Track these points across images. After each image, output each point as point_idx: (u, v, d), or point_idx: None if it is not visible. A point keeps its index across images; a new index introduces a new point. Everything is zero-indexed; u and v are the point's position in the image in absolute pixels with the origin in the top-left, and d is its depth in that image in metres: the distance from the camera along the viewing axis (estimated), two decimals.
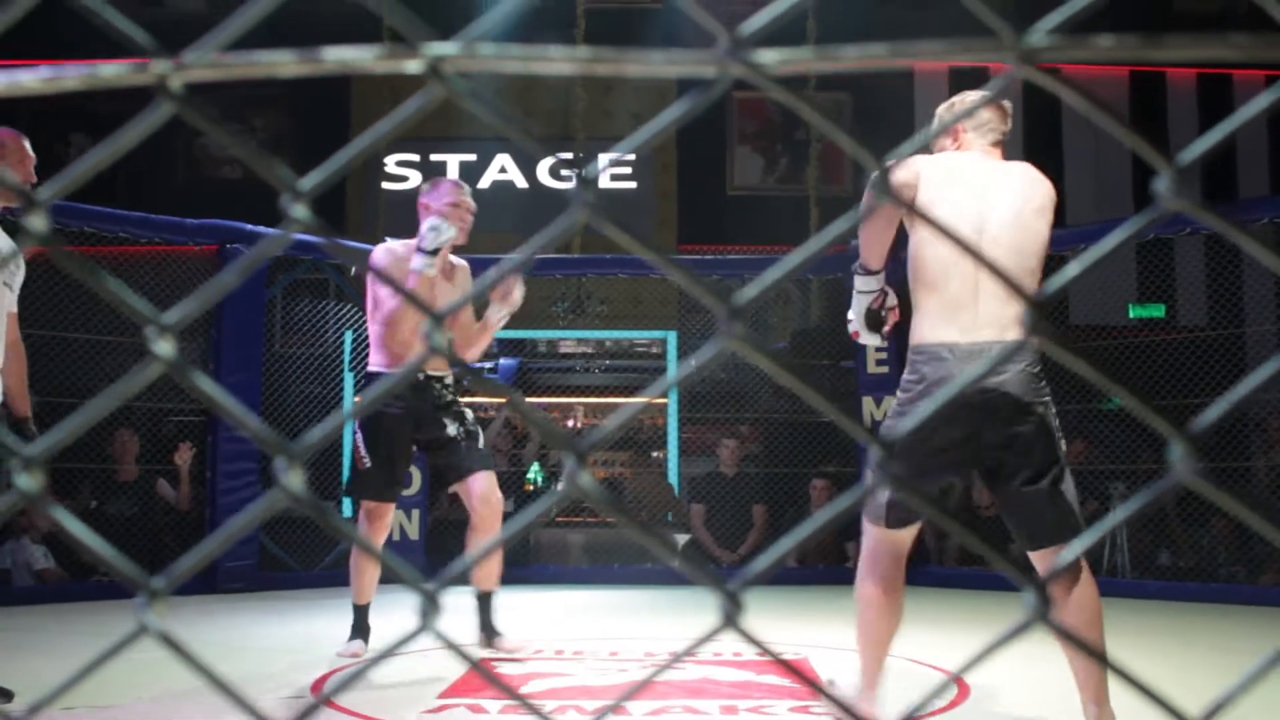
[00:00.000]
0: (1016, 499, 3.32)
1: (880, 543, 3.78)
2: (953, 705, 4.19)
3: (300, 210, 0.70)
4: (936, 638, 5.92)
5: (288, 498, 0.67)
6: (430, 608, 0.70)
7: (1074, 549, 0.71)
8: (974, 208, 3.32)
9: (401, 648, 0.75)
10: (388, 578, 8.71)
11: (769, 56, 0.69)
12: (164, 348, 0.70)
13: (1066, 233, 9.56)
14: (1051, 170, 12.68)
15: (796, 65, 0.69)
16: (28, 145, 4.02)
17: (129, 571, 0.71)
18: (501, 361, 10.78)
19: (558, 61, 0.68)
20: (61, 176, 0.78)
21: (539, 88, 14.03)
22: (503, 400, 10.57)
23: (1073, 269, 0.70)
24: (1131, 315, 11.84)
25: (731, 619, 0.67)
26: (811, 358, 10.05)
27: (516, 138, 0.72)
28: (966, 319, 3.27)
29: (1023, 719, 3.79)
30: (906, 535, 3.73)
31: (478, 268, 9.19)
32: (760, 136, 14.97)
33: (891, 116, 13.14)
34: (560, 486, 0.68)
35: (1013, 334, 3.30)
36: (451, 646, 0.73)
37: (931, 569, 9.02)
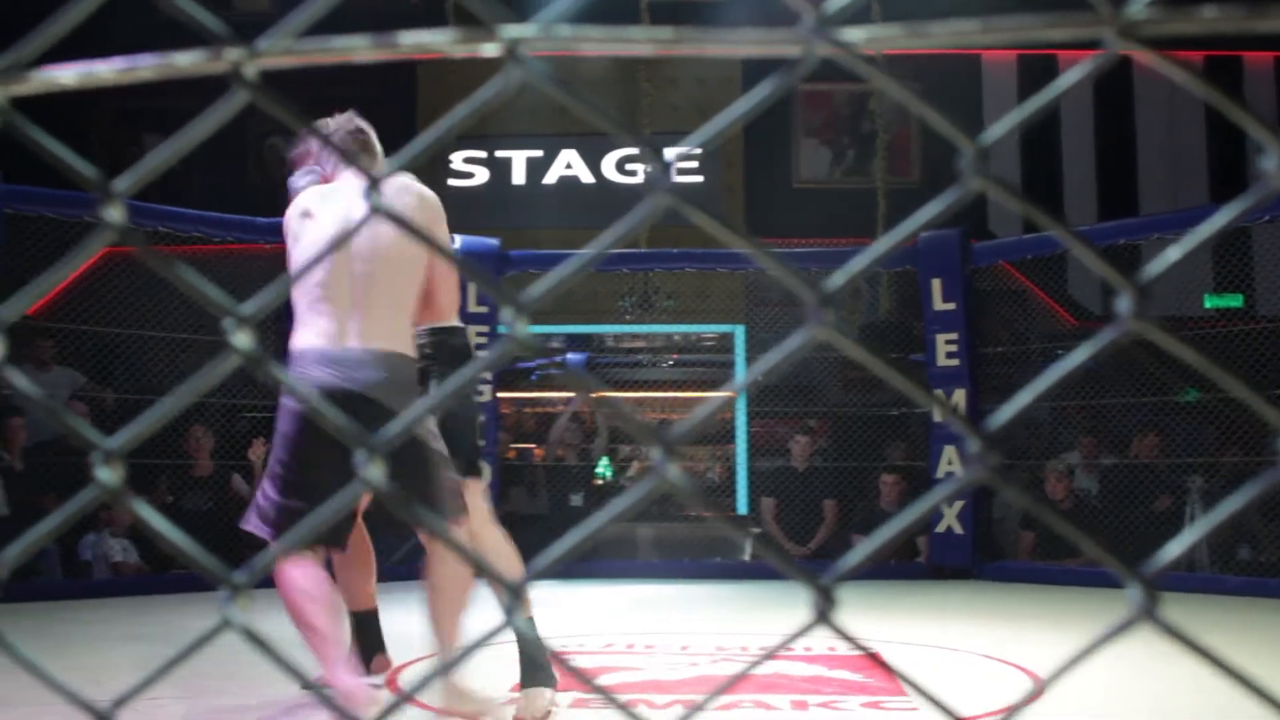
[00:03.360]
0: None
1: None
2: (1027, 703, 4.13)
3: (376, 197, 0.69)
4: (1009, 634, 5.85)
5: (369, 489, 0.66)
6: (515, 603, 0.69)
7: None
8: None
9: (474, 636, 0.74)
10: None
11: (856, 34, 0.66)
12: (242, 340, 0.70)
13: (1139, 222, 9.41)
14: (1124, 160, 12.52)
15: (885, 43, 0.67)
16: None
17: (212, 566, 0.71)
18: (569, 356, 10.80)
19: (638, 42, 0.66)
20: (137, 168, 0.78)
21: (602, 82, 14.02)
22: (568, 394, 10.60)
23: (1174, 253, 0.67)
24: (1207, 305, 11.62)
25: (824, 614, 0.65)
26: (882, 350, 9.97)
27: (602, 122, 0.70)
28: None
29: (1095, 717, 3.72)
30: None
31: (547, 263, 9.23)
32: (826, 129, 14.85)
33: (958, 105, 12.98)
34: (644, 479, 0.67)
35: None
36: (534, 640, 0.71)
37: (1005, 564, 8.91)
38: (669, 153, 0.69)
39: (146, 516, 0.74)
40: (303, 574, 3.25)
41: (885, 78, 0.67)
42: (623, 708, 0.70)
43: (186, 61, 0.73)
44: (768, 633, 5.84)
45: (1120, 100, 14.06)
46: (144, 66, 0.75)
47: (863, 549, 0.66)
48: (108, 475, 0.74)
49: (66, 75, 0.76)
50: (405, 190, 3.71)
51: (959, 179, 0.65)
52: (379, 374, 3.47)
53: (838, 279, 0.66)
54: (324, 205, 3.75)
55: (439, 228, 3.85)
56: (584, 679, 0.68)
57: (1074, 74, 0.65)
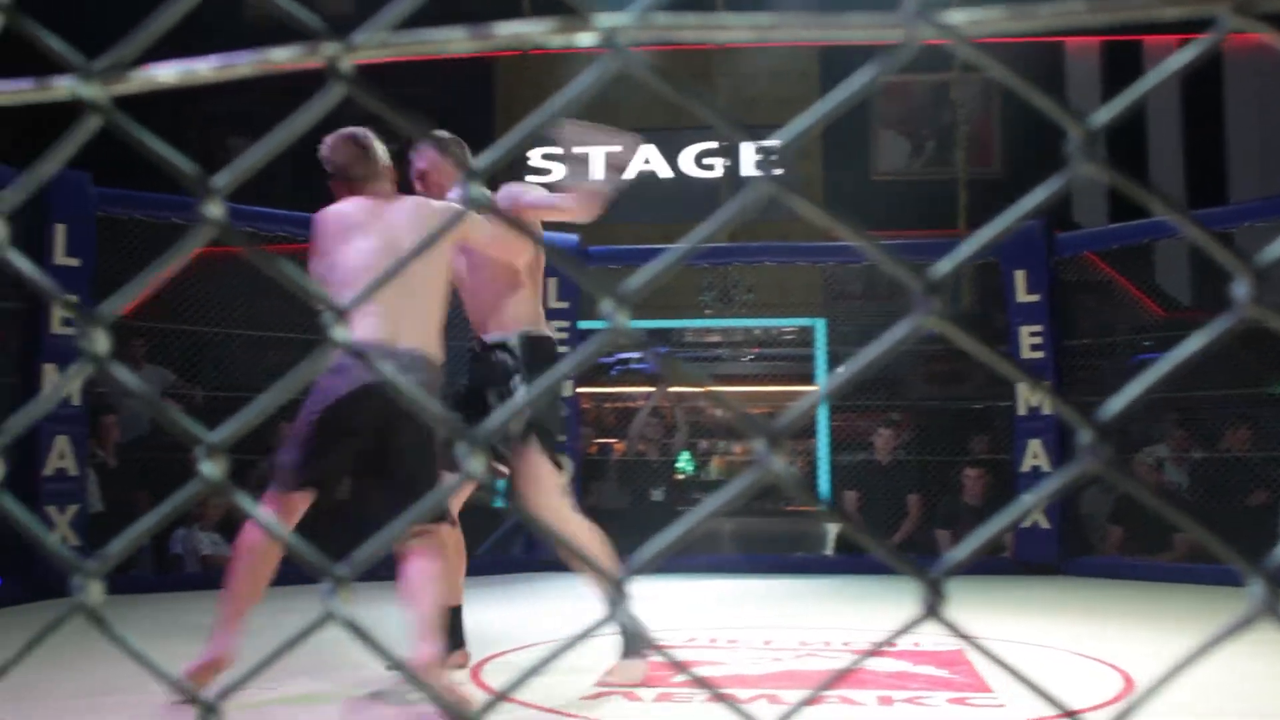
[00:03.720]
0: None
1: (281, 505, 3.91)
2: (1116, 699, 4.05)
3: (476, 190, 0.69)
4: (1097, 630, 5.75)
5: (471, 480, 0.66)
6: (619, 597, 0.68)
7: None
8: None
9: (559, 633, 0.73)
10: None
11: (959, 17, 0.65)
12: (341, 333, 0.70)
13: (1230, 210, 9.20)
14: (1213, 146, 12.25)
15: (988, 26, 0.65)
16: None
17: (314, 559, 0.71)
18: (652, 351, 10.79)
19: (736, 29, 0.65)
20: (235, 165, 0.78)
21: (679, 77, 14.01)
22: (650, 389, 10.61)
23: None
24: None
25: (934, 609, 0.64)
26: (979, 341, 9.84)
27: (702, 110, 0.69)
28: None
29: (1185, 716, 3.64)
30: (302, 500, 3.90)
31: (626, 259, 9.24)
32: (905, 120, 14.71)
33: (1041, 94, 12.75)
34: (747, 471, 0.66)
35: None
36: (641, 634, 0.71)
37: (1092, 559, 8.77)
38: (768, 141, 0.68)
39: (249, 509, 0.75)
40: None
41: (989, 59, 0.66)
42: (725, 698, 0.69)
43: (283, 57, 0.73)
44: (851, 627, 5.80)
45: (1209, 85, 13.75)
46: (241, 63, 0.75)
47: (974, 540, 0.65)
48: (211, 469, 0.75)
49: (166, 73, 0.77)
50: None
51: (1068, 163, 0.63)
52: (420, 374, 3.70)
53: (944, 266, 0.64)
54: (371, 217, 4.14)
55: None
56: (687, 671, 0.67)
57: (1188, 52, 0.63)
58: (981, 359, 0.65)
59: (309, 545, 0.75)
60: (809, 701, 0.70)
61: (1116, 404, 0.61)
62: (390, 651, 0.72)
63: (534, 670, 0.71)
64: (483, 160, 0.71)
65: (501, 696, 0.72)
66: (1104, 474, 0.61)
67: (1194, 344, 0.61)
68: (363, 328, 3.64)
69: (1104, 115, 0.64)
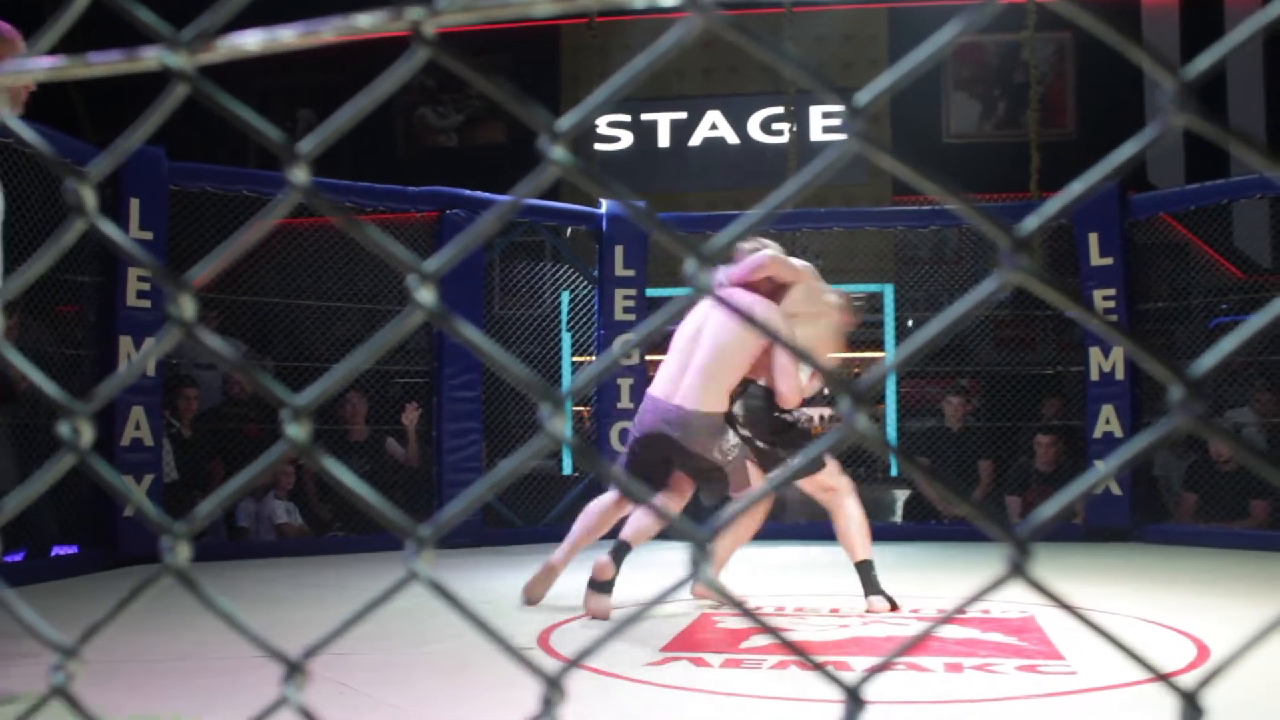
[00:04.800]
0: None
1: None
2: (1190, 667, 4.01)
3: (559, 152, 0.69)
4: (1171, 598, 5.68)
5: (554, 442, 0.67)
6: (701, 556, 0.68)
7: None
8: None
9: (630, 599, 0.74)
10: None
11: None
12: (426, 295, 0.71)
13: None
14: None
15: None
16: (21, 44, 3.44)
17: (399, 520, 0.72)
18: None
19: None
20: (320, 131, 0.79)
21: (763, 35, 13.91)
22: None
23: None
24: None
25: (1020, 568, 0.64)
26: (1034, 308, 9.71)
27: (789, 67, 0.69)
28: None
29: (1259, 687, 3.59)
30: None
31: (694, 225, 9.22)
32: (977, 81, 14.51)
33: (1117, 54, 12.53)
34: (834, 429, 0.66)
35: None
36: (726, 597, 0.71)
37: (1165, 526, 8.66)
38: (859, 98, 0.67)
39: (335, 471, 0.76)
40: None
41: (1078, 11, 0.65)
42: (820, 669, 0.70)
43: (368, 23, 0.74)
44: (919, 595, 5.78)
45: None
46: (325, 30, 0.76)
47: (1059, 500, 0.64)
48: (297, 431, 0.76)
49: (251, 41, 0.78)
50: (758, 302, 5.33)
51: (1160, 116, 0.62)
52: (677, 428, 5.21)
53: (1031, 222, 0.64)
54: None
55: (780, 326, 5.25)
56: (775, 635, 0.68)
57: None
58: (1068, 311, 0.64)
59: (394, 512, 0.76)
60: (882, 667, 0.70)
61: (1208, 360, 0.61)
62: (470, 610, 0.73)
63: (611, 635, 0.71)
64: (566, 121, 0.71)
65: (574, 663, 0.73)
66: (1195, 431, 0.60)
67: None
68: (654, 385, 5.41)
69: (1198, 65, 0.63)
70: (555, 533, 8.83)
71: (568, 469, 9.21)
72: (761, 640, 4.45)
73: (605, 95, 0.70)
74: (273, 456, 0.78)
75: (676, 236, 0.67)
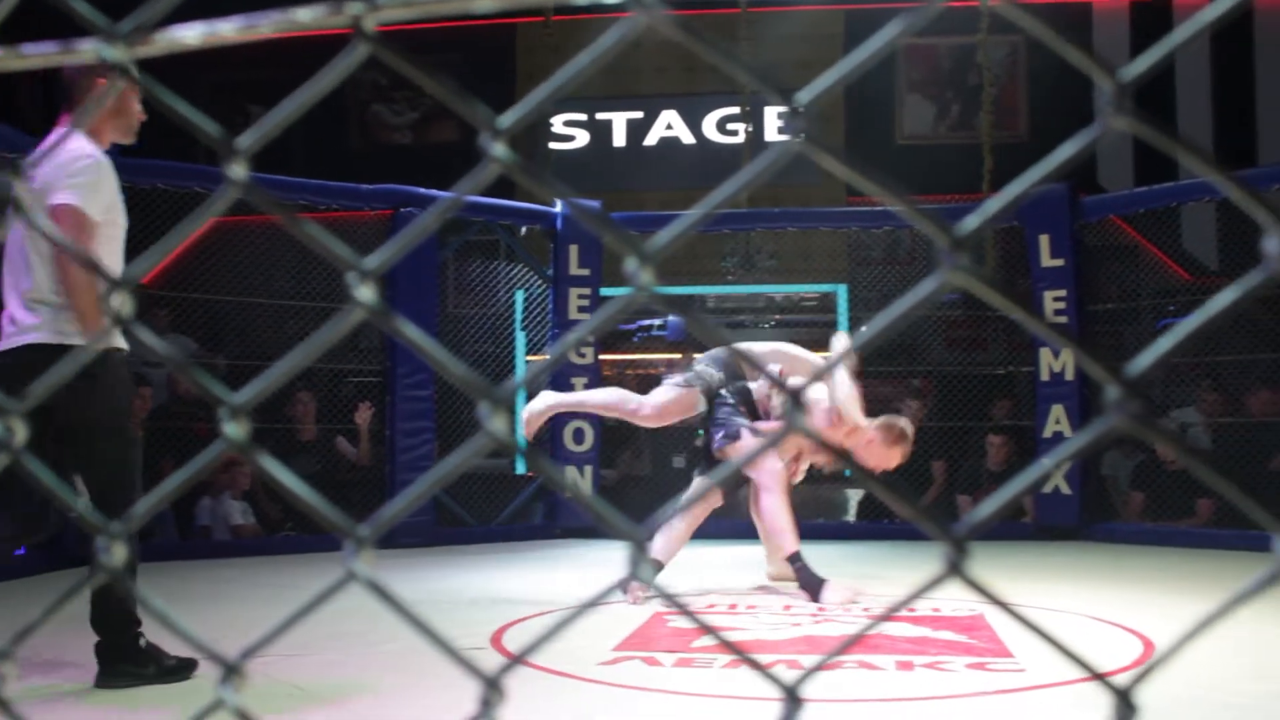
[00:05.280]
0: None
1: None
2: (1135, 664, 4.05)
3: (500, 149, 0.69)
4: (1118, 596, 5.74)
5: (494, 441, 0.66)
6: (640, 555, 0.68)
7: None
8: None
9: (579, 599, 0.73)
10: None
11: None
12: (366, 293, 0.70)
13: (1260, 172, 9.11)
14: (1243, 107, 12.08)
15: None
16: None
17: (337, 520, 0.71)
18: (671, 319, 10.79)
19: None
20: (259, 126, 0.78)
21: (706, 34, 13.92)
22: (672, 356, 10.60)
23: None
24: None
25: (957, 566, 0.64)
26: (985, 308, 9.79)
27: (729, 65, 0.69)
28: None
29: (1204, 681, 3.64)
30: None
31: (650, 225, 9.22)
32: (930, 84, 14.60)
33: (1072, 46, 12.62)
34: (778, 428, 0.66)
35: None
36: (662, 595, 0.71)
37: (1113, 525, 8.75)
38: (799, 97, 0.67)
39: (272, 470, 0.75)
40: None
41: (1019, 12, 0.65)
42: (759, 668, 0.70)
43: (307, 17, 0.73)
44: (872, 593, 5.81)
45: (1239, 47, 13.59)
46: (265, 24, 0.75)
47: (997, 499, 0.65)
48: (234, 430, 0.75)
49: (190, 34, 0.77)
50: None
51: (1098, 118, 0.62)
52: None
53: (971, 221, 0.64)
54: None
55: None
56: (716, 635, 0.67)
57: (1217, 7, 0.62)
58: (1009, 313, 0.64)
59: (335, 508, 0.75)
60: (825, 665, 0.70)
61: (1144, 360, 0.61)
62: (406, 608, 0.72)
63: (552, 633, 0.71)
64: (508, 118, 0.70)
65: (518, 660, 0.73)
66: (1132, 431, 0.61)
67: (1225, 299, 0.61)
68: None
69: (1136, 67, 0.63)
70: (508, 532, 8.86)
71: (520, 469, 9.19)
72: (714, 639, 4.45)
73: (548, 92, 0.70)
74: (209, 456, 0.77)
75: (618, 234, 0.67)
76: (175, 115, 0.77)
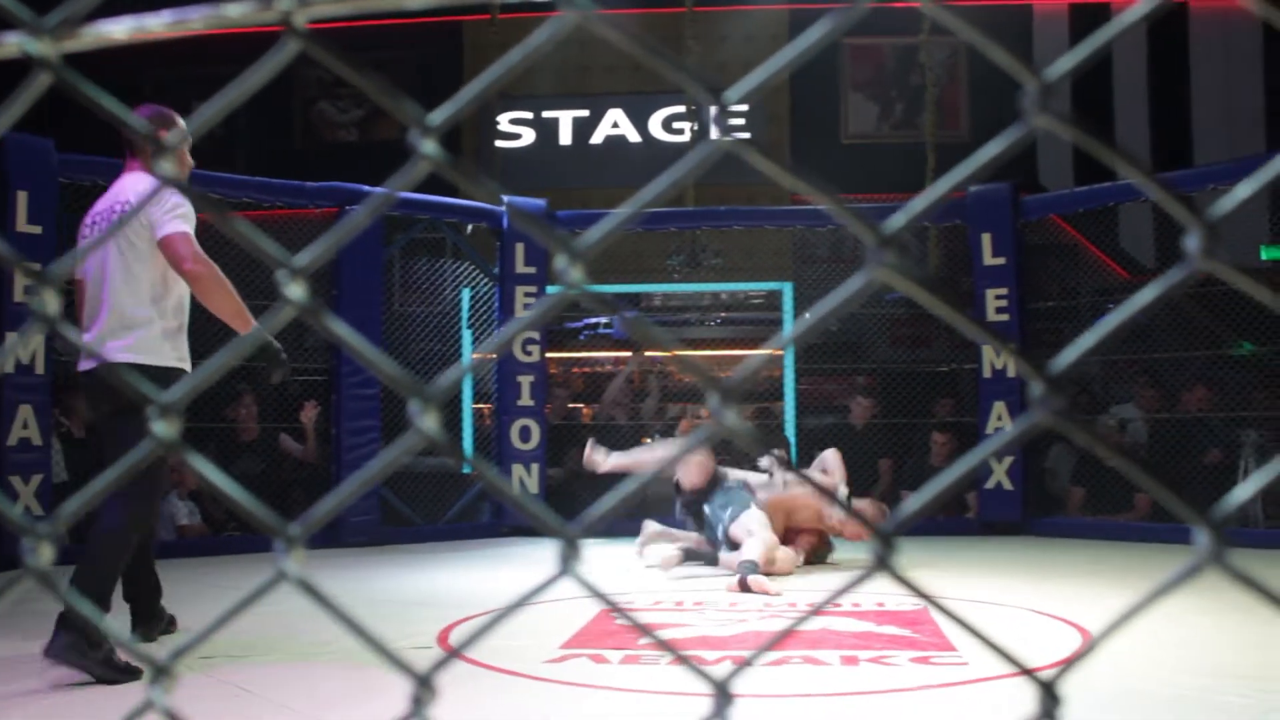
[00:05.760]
0: None
1: None
2: (1073, 656, 4.10)
3: (430, 145, 0.68)
4: (1059, 589, 5.81)
5: (424, 440, 0.66)
6: (571, 553, 0.68)
7: None
8: None
9: (532, 598, 0.73)
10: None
11: None
12: (296, 291, 0.69)
13: (1194, 173, 9.25)
14: (1178, 111, 12.27)
15: None
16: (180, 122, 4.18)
17: (267, 519, 0.70)
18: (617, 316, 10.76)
19: None
20: (190, 122, 0.77)
21: (640, 34, 13.92)
22: (626, 354, 10.61)
23: (1243, 189, 0.65)
24: (1264, 257, 11.43)
25: (884, 560, 0.64)
26: (940, 296, 9.86)
27: (656, 63, 0.69)
28: None
29: (1146, 674, 3.69)
30: None
31: (595, 223, 9.20)
32: (874, 84, 14.71)
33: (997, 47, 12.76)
34: (703, 426, 0.66)
35: None
36: (593, 593, 0.71)
37: (1055, 519, 8.84)
38: (726, 96, 0.67)
39: (202, 470, 0.74)
40: None
41: (946, 13, 0.65)
42: (688, 663, 0.70)
43: (237, 12, 0.72)
44: (815, 589, 5.84)
45: (1175, 48, 13.80)
46: (194, 19, 0.74)
47: (922, 496, 0.65)
48: (164, 429, 0.74)
49: (118, 29, 0.76)
50: None
51: (1022, 117, 0.63)
52: None
53: (897, 219, 0.64)
54: None
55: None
56: (649, 634, 0.67)
57: (1141, 6, 0.63)
58: (936, 311, 0.65)
59: (265, 506, 0.74)
60: (750, 662, 0.70)
61: (1068, 356, 0.62)
62: (340, 609, 0.72)
63: (485, 630, 0.71)
64: (437, 115, 0.70)
65: (455, 654, 0.72)
66: (1055, 426, 0.61)
67: (1147, 295, 0.61)
68: None
69: (1059, 67, 0.64)
70: (455, 531, 8.82)
71: (467, 468, 9.15)
72: (663, 636, 4.46)
73: (477, 90, 0.69)
74: (138, 455, 0.76)
75: (547, 233, 0.66)
76: (101, 111, 0.76)
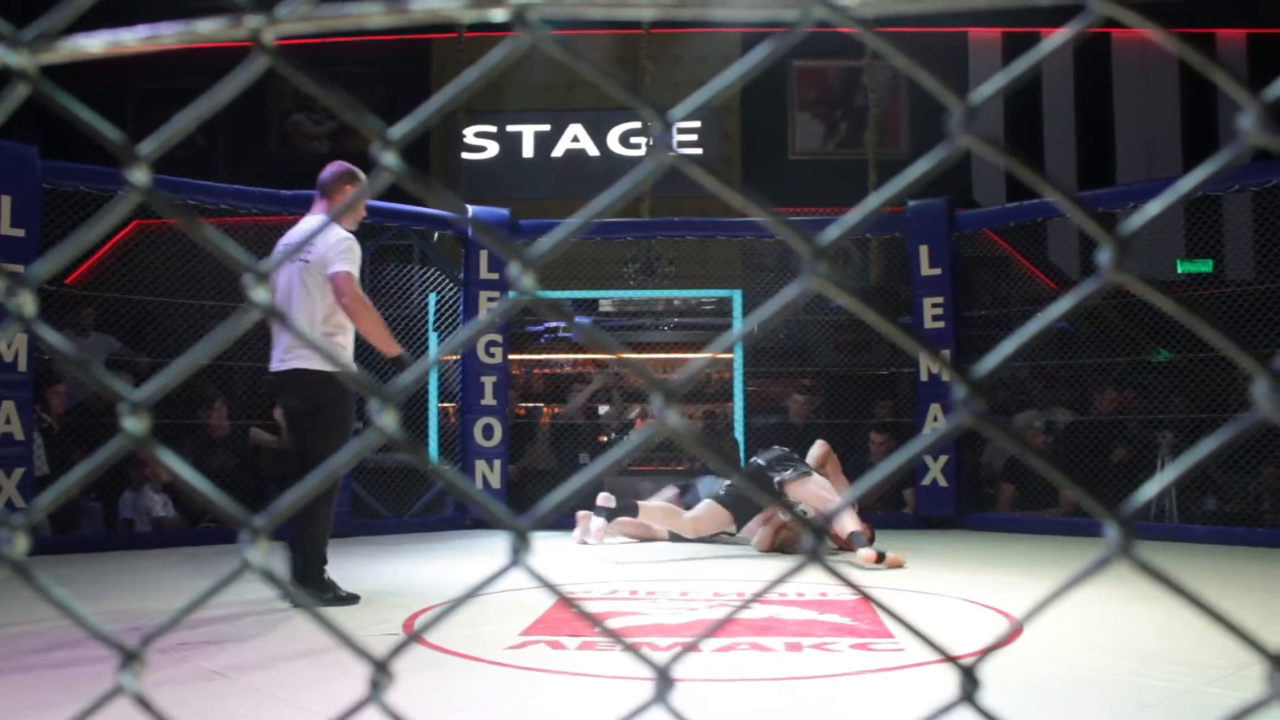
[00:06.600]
0: None
1: None
2: (1005, 644, 4.14)
3: (390, 158, 0.68)
4: (989, 579, 5.86)
5: (383, 437, 0.65)
6: (521, 545, 0.68)
7: None
8: None
9: (489, 587, 0.73)
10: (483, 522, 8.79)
11: (853, 0, 0.65)
12: (263, 295, 0.69)
13: (1116, 191, 9.36)
14: (1102, 133, 12.43)
15: (879, 5, 0.66)
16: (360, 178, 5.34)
17: (232, 510, 0.70)
18: (578, 320, 10.76)
19: (642, 6, 0.65)
20: (160, 133, 0.76)
21: (605, 60, 13.92)
22: (585, 356, 10.61)
23: (1153, 207, 0.66)
24: (1180, 270, 11.59)
25: (816, 553, 0.65)
26: (873, 306, 9.94)
27: (605, 82, 0.69)
28: None
29: (1073, 659, 3.73)
30: None
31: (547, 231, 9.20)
32: (820, 104, 14.78)
33: (945, 82, 12.87)
34: (647, 426, 0.66)
35: None
36: (541, 582, 0.71)
37: (985, 515, 8.93)
38: (672, 113, 0.67)
39: (171, 463, 0.74)
40: None
41: (875, 37, 0.66)
42: (630, 648, 0.70)
43: (208, 29, 0.71)
44: (763, 579, 5.86)
45: (1099, 76, 13.98)
46: (167, 34, 0.74)
47: (850, 495, 0.66)
48: (134, 425, 0.74)
49: (93, 43, 0.75)
50: None
51: (948, 137, 0.64)
52: None
53: (831, 232, 0.65)
54: None
55: None
56: (593, 621, 0.67)
57: (1059, 36, 0.64)
58: (863, 317, 0.65)
59: (230, 499, 0.74)
60: (690, 648, 0.70)
61: (989, 361, 0.62)
62: (302, 598, 0.71)
63: (442, 616, 0.71)
64: (398, 129, 0.70)
65: (412, 638, 0.72)
66: (976, 427, 0.62)
67: (1063, 305, 0.62)
68: None
69: (983, 92, 0.64)
70: (421, 524, 8.78)
71: (434, 462, 9.10)
72: (617, 623, 4.46)
73: (437, 106, 0.69)
74: (109, 450, 0.75)
75: (499, 241, 0.66)
76: (77, 121, 0.75)
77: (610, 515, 7.28)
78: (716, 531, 7.43)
